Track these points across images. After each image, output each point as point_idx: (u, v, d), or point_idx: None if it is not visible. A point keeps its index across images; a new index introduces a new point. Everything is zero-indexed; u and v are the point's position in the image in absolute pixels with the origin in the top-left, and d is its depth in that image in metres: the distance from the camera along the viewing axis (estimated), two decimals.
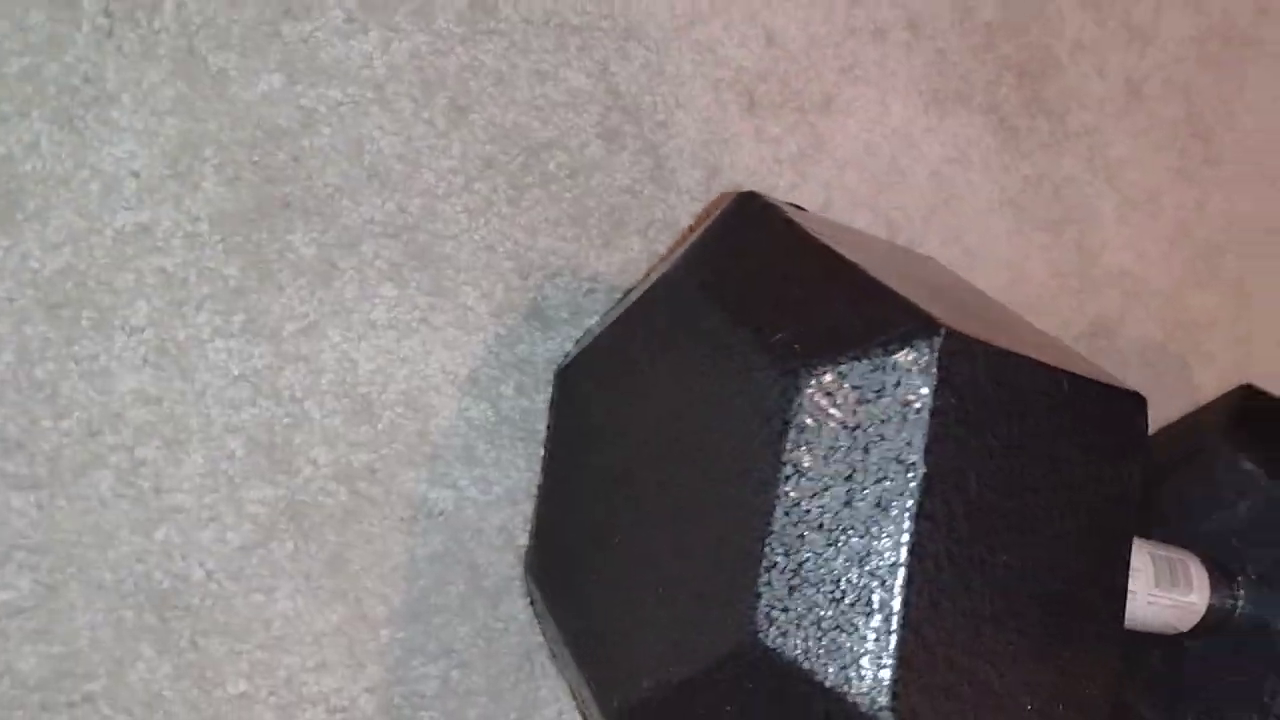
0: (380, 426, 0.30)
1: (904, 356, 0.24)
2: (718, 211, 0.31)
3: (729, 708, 0.25)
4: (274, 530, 0.28)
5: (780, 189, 0.39)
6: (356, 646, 0.29)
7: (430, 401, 0.31)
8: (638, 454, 0.29)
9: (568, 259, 0.34)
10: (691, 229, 0.35)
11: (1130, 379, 0.50)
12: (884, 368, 0.24)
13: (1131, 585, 0.37)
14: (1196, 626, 0.39)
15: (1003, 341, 0.25)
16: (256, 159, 0.28)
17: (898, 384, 0.24)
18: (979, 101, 0.45)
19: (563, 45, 0.34)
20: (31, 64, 0.25)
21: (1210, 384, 0.53)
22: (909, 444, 0.24)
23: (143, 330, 0.27)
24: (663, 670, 0.25)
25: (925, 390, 0.24)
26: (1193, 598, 0.39)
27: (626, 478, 0.29)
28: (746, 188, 0.39)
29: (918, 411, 0.24)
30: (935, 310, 0.25)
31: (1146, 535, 0.41)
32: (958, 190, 0.44)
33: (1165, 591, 0.38)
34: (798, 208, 0.32)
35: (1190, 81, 0.55)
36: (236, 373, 0.28)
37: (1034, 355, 0.26)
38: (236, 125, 0.28)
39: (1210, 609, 0.39)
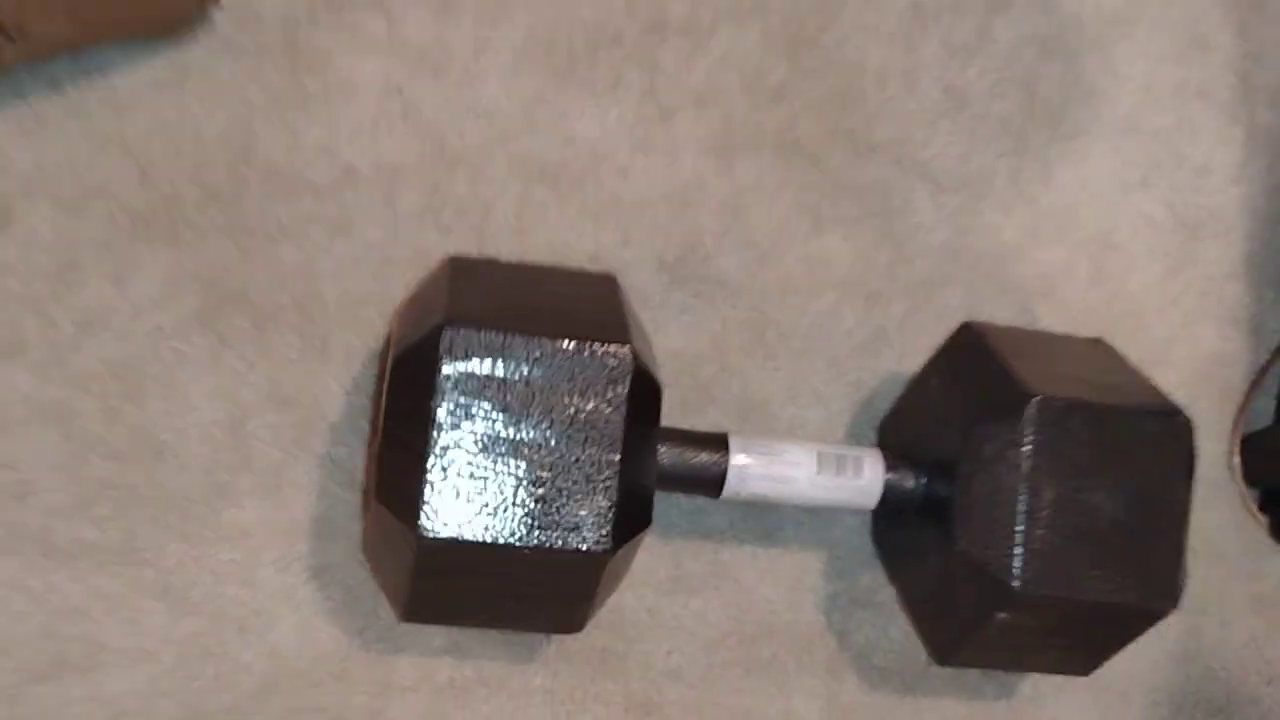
0: (296, 417, 0.54)
1: (433, 344, 0.43)
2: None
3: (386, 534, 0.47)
4: (237, 472, 0.53)
5: (579, 236, 0.57)
6: (283, 531, 0.54)
7: (328, 400, 0.54)
8: None
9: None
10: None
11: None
12: (425, 351, 0.44)
13: (793, 474, 0.51)
14: (888, 503, 0.52)
15: (512, 326, 0.44)
16: None
17: (434, 361, 0.44)
18: (771, 144, 0.60)
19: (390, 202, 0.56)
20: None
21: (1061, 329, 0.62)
22: (433, 396, 0.43)
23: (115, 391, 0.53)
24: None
25: (444, 367, 0.43)
26: (863, 482, 0.52)
27: None
28: (553, 243, 0.58)
29: (438, 380, 0.43)
30: (462, 310, 0.44)
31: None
32: (751, 212, 0.59)
33: (831, 478, 0.52)
34: (493, 261, 0.51)
35: (1033, 75, 0.63)
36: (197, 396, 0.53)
37: (532, 330, 0.44)
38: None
39: (889, 488, 0.52)
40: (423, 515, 0.43)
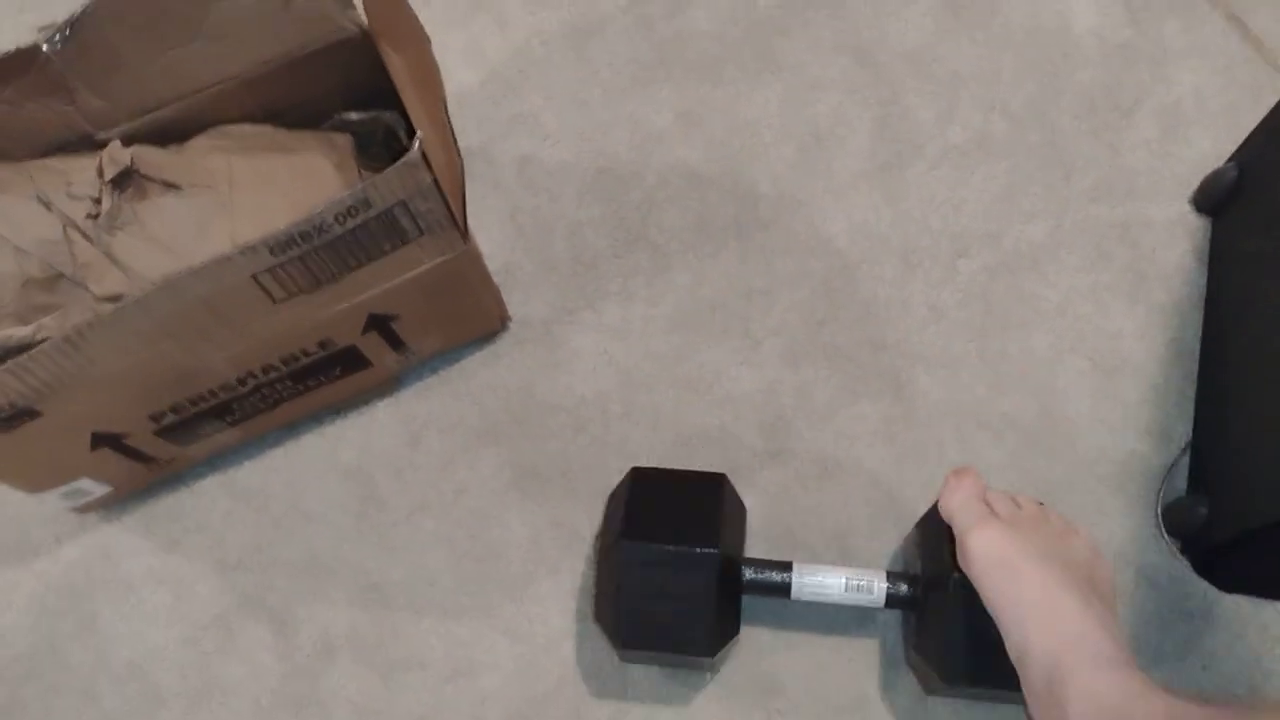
0: (565, 533, 0.96)
1: (618, 548, 0.84)
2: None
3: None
4: (537, 564, 0.96)
5: (711, 419, 0.97)
6: (563, 595, 0.95)
7: (581, 524, 0.96)
8: None
9: None
10: None
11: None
12: (614, 549, 0.84)
13: (830, 590, 0.80)
14: (891, 601, 0.78)
15: (656, 539, 0.84)
16: None
17: (618, 560, 0.84)
18: (822, 353, 0.97)
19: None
20: None
21: (1020, 445, 0.95)
22: (618, 574, 0.84)
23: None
24: None
25: (624, 565, 0.84)
26: (874, 594, 0.77)
27: None
28: (697, 423, 0.98)
29: (621, 569, 0.84)
30: (633, 528, 0.85)
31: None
32: (813, 395, 0.97)
33: (854, 593, 0.77)
34: (659, 470, 0.92)
35: (987, 291, 0.98)
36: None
37: (667, 540, 0.84)
38: None
39: (888, 595, 0.77)
40: (617, 641, 0.81)
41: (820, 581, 0.80)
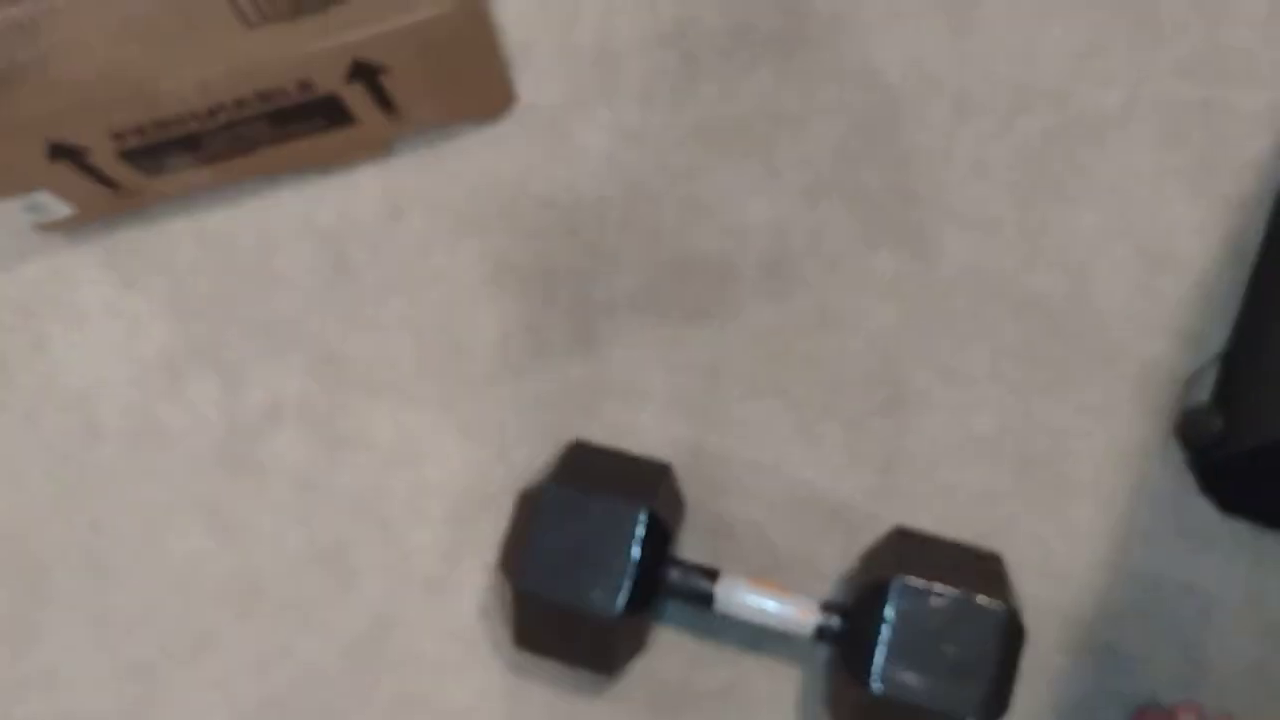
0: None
1: (536, 498, 0.78)
2: None
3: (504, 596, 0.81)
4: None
5: (714, 245, 0.90)
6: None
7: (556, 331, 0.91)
8: None
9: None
10: None
11: None
12: (532, 499, 0.79)
13: (759, 613, 0.72)
14: (821, 633, 0.72)
15: (585, 490, 0.78)
16: None
17: (533, 512, 0.78)
18: (845, 193, 0.90)
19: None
20: None
21: (1040, 332, 0.88)
22: (535, 521, 0.78)
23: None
24: None
25: (541, 512, 0.78)
26: (805, 625, 0.72)
27: None
28: (701, 249, 0.91)
29: (537, 521, 0.78)
30: (558, 478, 0.79)
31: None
32: (826, 236, 0.90)
33: (784, 619, 0.72)
34: (601, 449, 0.85)
35: (1041, 155, 0.90)
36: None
37: (593, 492, 0.76)
38: None
39: (818, 627, 0.72)
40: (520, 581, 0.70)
41: (747, 600, 0.74)
